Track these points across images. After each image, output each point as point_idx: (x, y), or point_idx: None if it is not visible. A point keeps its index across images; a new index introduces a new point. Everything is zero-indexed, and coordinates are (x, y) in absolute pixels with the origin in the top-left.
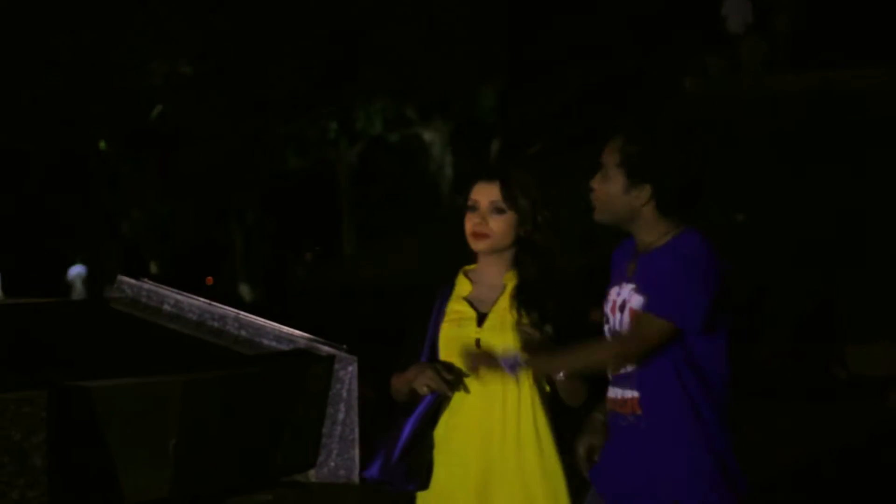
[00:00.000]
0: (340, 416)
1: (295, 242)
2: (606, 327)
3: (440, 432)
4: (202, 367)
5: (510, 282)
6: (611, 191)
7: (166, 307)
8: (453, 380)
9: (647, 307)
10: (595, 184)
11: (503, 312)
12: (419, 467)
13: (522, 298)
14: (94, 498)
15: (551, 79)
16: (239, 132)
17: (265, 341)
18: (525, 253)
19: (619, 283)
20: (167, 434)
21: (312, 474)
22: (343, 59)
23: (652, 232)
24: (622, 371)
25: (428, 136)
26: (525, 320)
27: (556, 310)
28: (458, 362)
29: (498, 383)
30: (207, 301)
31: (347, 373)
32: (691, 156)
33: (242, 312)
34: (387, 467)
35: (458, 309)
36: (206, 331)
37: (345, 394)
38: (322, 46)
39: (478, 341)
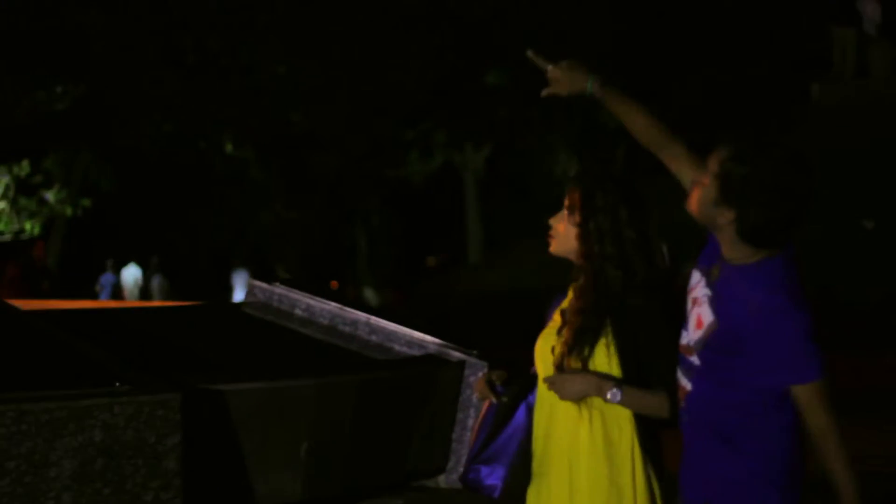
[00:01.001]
0: (470, 421)
1: (421, 247)
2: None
3: (537, 445)
4: (334, 371)
5: None
6: (704, 196)
7: (298, 311)
8: (511, 389)
9: (801, 377)
10: (697, 177)
11: None
12: (511, 477)
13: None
14: (227, 501)
15: (677, 82)
16: (365, 136)
17: (396, 346)
18: (580, 258)
19: (701, 270)
20: (299, 437)
21: (442, 479)
22: (468, 63)
23: (734, 249)
24: (686, 356)
25: (553, 139)
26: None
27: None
28: (542, 370)
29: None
30: (339, 305)
31: (477, 378)
32: (787, 193)
33: (373, 317)
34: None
35: (555, 318)
36: (337, 335)
37: (475, 399)
38: (448, 50)
39: (553, 348)
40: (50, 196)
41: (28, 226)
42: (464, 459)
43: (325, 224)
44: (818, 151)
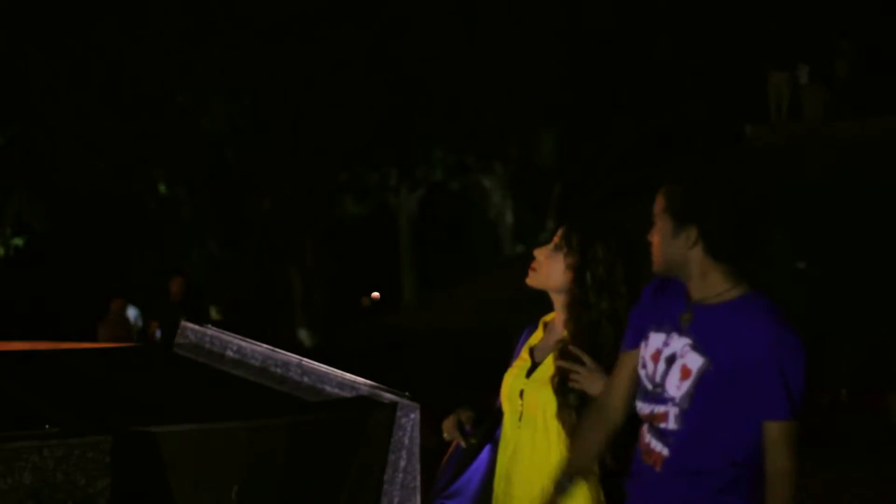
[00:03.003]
0: (402, 463)
1: (354, 288)
2: (642, 372)
3: (499, 479)
4: (265, 413)
5: (567, 334)
6: (660, 237)
7: (229, 353)
8: (479, 431)
9: (776, 414)
10: (650, 236)
11: (551, 365)
12: None
13: (560, 351)
14: None
15: (612, 125)
16: (300, 177)
17: (328, 388)
18: (572, 305)
19: (664, 330)
20: (231, 480)
21: None
22: (404, 106)
23: (707, 282)
24: (662, 425)
25: (488, 182)
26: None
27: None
28: (508, 413)
29: (533, 443)
30: (270, 347)
31: (409, 420)
32: (741, 192)
33: (305, 359)
34: None
35: (524, 357)
36: (269, 377)
37: (406, 441)
38: (384, 93)
39: (521, 392)
40: None
41: None
42: (395, 501)
43: (259, 264)
44: None
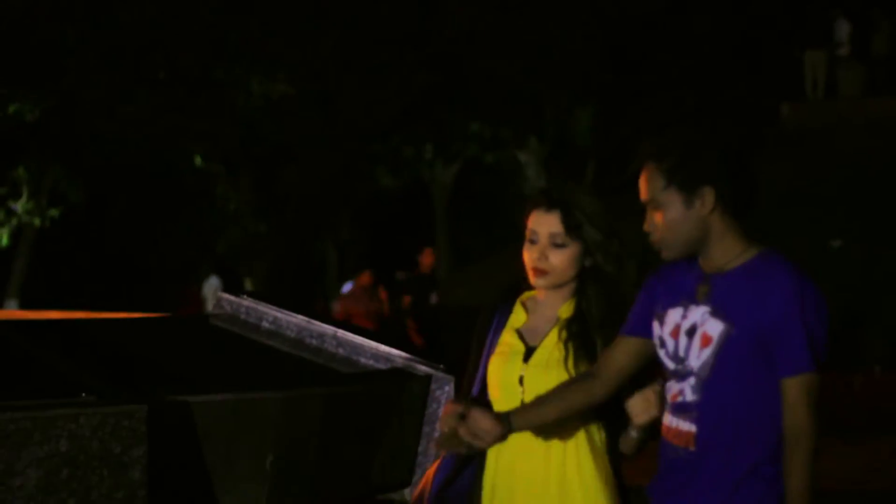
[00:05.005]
0: (436, 435)
1: (390, 261)
2: (663, 352)
3: (486, 491)
4: (300, 384)
5: (565, 313)
6: (671, 217)
7: (265, 324)
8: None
9: (798, 368)
10: (649, 226)
11: (552, 347)
12: None
13: (573, 331)
14: None
15: (647, 102)
16: (335, 151)
17: (363, 360)
18: (590, 284)
19: (681, 304)
20: (265, 450)
21: (407, 493)
22: (441, 80)
23: (724, 246)
24: (680, 399)
25: (523, 157)
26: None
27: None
28: (501, 401)
29: (539, 432)
30: (306, 318)
31: (444, 392)
32: (734, 142)
33: (340, 330)
34: None
35: (508, 341)
36: (304, 348)
37: (440, 413)
38: (420, 67)
39: (521, 378)
40: (18, 206)
41: None
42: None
43: (294, 238)
44: (787, 170)
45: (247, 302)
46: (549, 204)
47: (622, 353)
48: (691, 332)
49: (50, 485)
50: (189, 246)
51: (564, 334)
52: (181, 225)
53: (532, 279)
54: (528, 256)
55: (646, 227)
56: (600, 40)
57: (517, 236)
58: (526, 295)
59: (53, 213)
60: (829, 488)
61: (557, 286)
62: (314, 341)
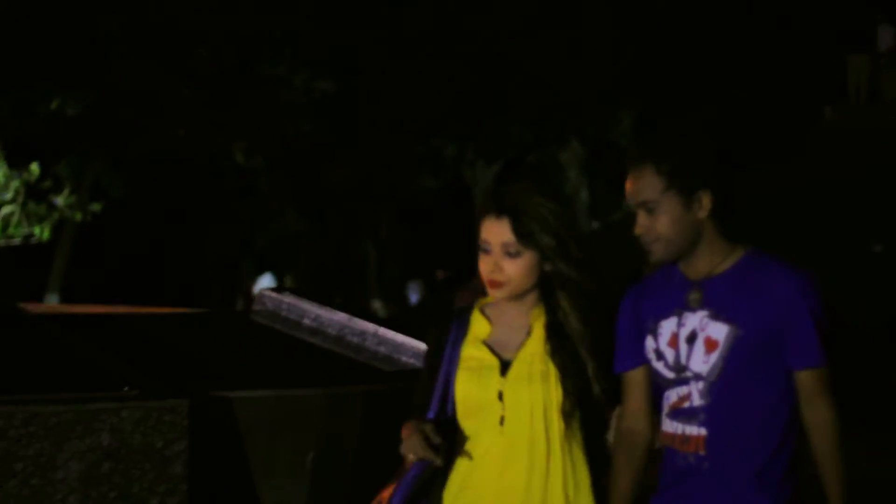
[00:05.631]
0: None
1: (430, 260)
2: (661, 364)
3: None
4: (341, 381)
5: (537, 321)
6: (670, 219)
7: (306, 321)
8: (443, 446)
9: (811, 362)
10: (642, 228)
11: (531, 359)
12: None
13: (555, 344)
14: None
15: (688, 104)
16: (376, 149)
17: (404, 357)
18: (557, 291)
19: (673, 314)
20: (306, 447)
21: None
22: (482, 80)
23: (714, 250)
24: (686, 404)
25: (564, 158)
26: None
27: (594, 351)
28: (475, 419)
29: (522, 448)
30: (348, 316)
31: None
32: (723, 149)
33: (381, 328)
34: None
35: (476, 355)
36: (345, 346)
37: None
38: (463, 67)
39: (500, 394)
40: (59, 201)
41: (37, 230)
42: None
43: (334, 236)
44: (830, 174)
45: (288, 299)
46: (499, 211)
47: (636, 391)
48: (692, 338)
49: (91, 478)
50: (230, 242)
51: (548, 347)
52: (222, 221)
53: (489, 291)
54: (483, 268)
55: (637, 229)
56: (641, 40)
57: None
58: (482, 302)
59: (95, 207)
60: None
61: (519, 295)
62: (355, 339)
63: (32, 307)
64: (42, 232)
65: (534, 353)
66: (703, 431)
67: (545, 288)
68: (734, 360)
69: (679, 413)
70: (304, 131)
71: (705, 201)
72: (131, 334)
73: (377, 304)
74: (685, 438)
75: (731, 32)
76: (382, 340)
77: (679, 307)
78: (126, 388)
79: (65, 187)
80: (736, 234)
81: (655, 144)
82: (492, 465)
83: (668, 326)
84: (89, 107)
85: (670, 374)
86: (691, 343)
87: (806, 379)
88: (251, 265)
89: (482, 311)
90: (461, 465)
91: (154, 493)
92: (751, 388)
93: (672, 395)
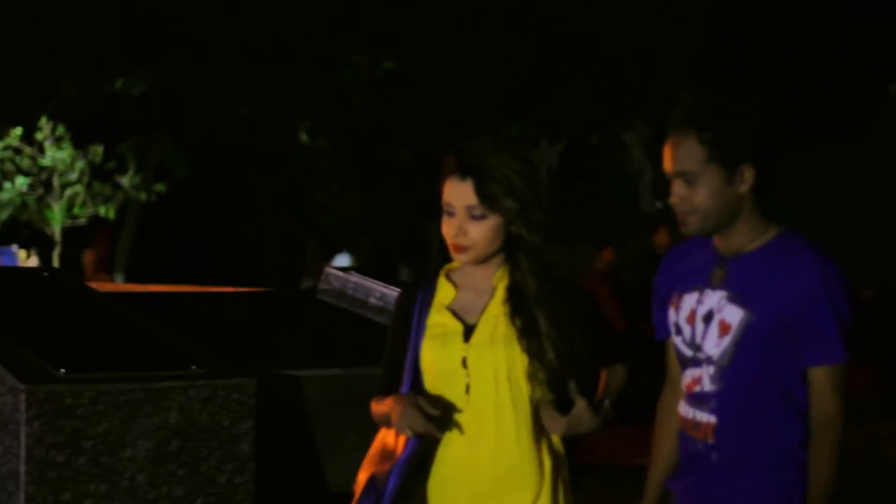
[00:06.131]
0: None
1: None
2: (679, 339)
3: (434, 484)
4: None
5: (501, 282)
6: (710, 191)
7: (372, 300)
8: (441, 417)
9: (828, 358)
10: (678, 199)
11: (495, 321)
12: None
13: (515, 305)
14: (299, 485)
15: (749, 81)
16: (439, 128)
17: None
18: (520, 253)
19: (696, 289)
20: (372, 424)
21: None
22: (546, 58)
23: (748, 228)
24: (697, 388)
25: (628, 138)
26: (514, 329)
27: (552, 315)
28: (441, 388)
29: (489, 417)
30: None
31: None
32: (768, 122)
33: None
34: None
35: (440, 321)
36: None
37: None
38: (528, 45)
39: (464, 360)
40: (124, 181)
41: (102, 210)
42: None
43: (398, 215)
44: (894, 153)
45: (354, 277)
46: (462, 171)
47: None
48: (708, 318)
49: (160, 456)
50: (293, 222)
51: (507, 308)
52: (285, 201)
53: (454, 255)
54: (447, 231)
55: (672, 199)
56: (704, 17)
57: (621, 218)
58: (448, 267)
59: (160, 187)
60: None
61: (484, 259)
62: None
63: (100, 286)
64: (107, 212)
65: (497, 314)
66: (713, 419)
67: (511, 249)
68: (746, 347)
69: (692, 396)
70: (367, 110)
71: (748, 175)
72: (198, 313)
73: None
74: (696, 424)
75: (791, 8)
76: None
77: (702, 283)
78: (193, 367)
79: (129, 167)
80: (773, 212)
81: (699, 112)
82: (460, 437)
83: (689, 301)
84: (153, 87)
85: (688, 352)
86: (707, 323)
87: (818, 375)
88: (315, 245)
89: (448, 277)
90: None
91: (221, 471)
92: (764, 378)
93: (687, 376)
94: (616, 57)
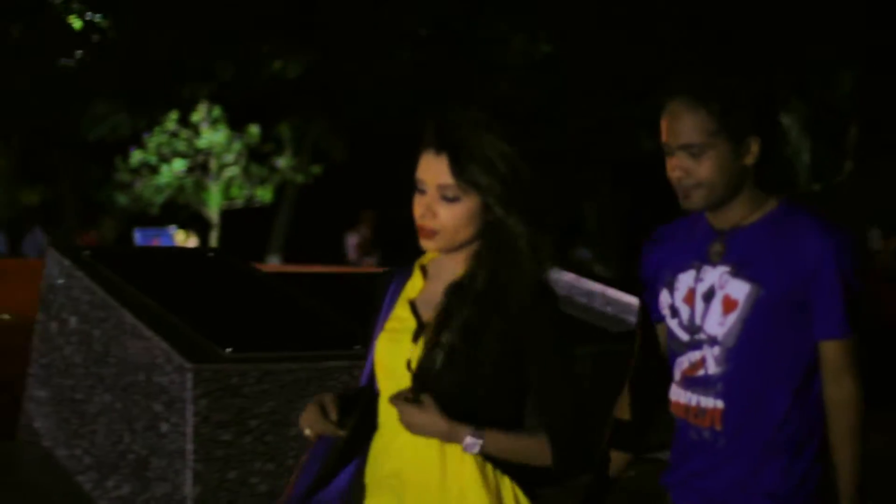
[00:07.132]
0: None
1: (648, 222)
2: (675, 322)
3: (369, 480)
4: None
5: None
6: (716, 165)
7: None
8: (348, 419)
9: (837, 331)
10: (682, 172)
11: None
12: None
13: (451, 299)
14: None
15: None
16: (594, 112)
17: (631, 318)
18: (489, 243)
19: (692, 267)
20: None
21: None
22: (699, 39)
23: (748, 200)
24: (700, 372)
25: (786, 120)
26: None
27: (480, 330)
28: (391, 388)
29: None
30: (575, 275)
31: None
32: (770, 88)
33: (610, 289)
34: None
35: (399, 316)
36: (573, 306)
37: None
38: (680, 26)
39: (409, 363)
40: (281, 163)
41: (259, 192)
42: None
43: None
44: None
45: None
46: (438, 146)
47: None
48: (709, 296)
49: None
50: None
51: (443, 303)
52: None
53: (420, 240)
54: (415, 211)
55: (674, 172)
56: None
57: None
58: (427, 257)
59: (316, 170)
60: None
61: (455, 248)
62: (583, 299)
63: (262, 267)
64: (264, 194)
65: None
66: (719, 404)
67: (484, 241)
68: (754, 324)
69: (693, 382)
70: (521, 94)
71: (754, 148)
72: (359, 294)
73: (597, 268)
74: (700, 411)
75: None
76: (610, 301)
77: (699, 260)
78: (357, 347)
79: (286, 150)
80: (771, 184)
81: (704, 81)
82: (402, 453)
83: (685, 280)
84: (310, 69)
85: (684, 336)
86: (708, 301)
87: (829, 350)
88: None
89: (422, 268)
90: (377, 436)
91: None
92: (773, 356)
93: (684, 362)
94: (774, 34)
